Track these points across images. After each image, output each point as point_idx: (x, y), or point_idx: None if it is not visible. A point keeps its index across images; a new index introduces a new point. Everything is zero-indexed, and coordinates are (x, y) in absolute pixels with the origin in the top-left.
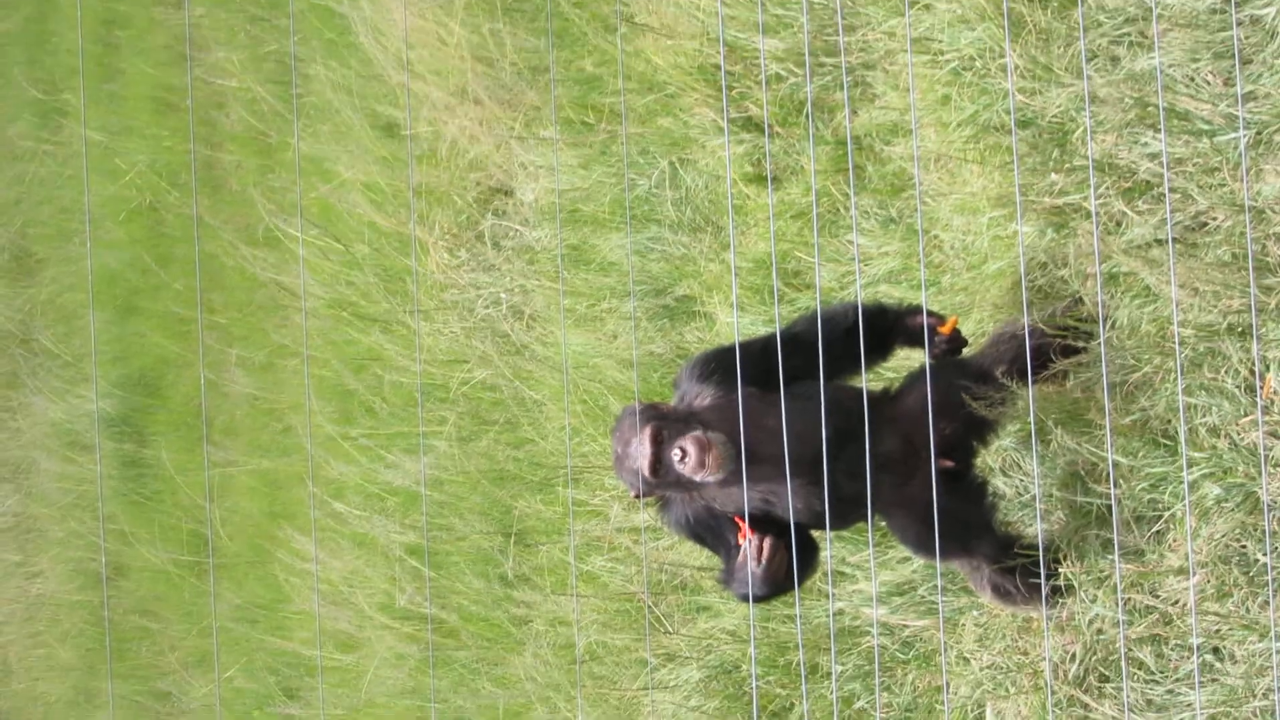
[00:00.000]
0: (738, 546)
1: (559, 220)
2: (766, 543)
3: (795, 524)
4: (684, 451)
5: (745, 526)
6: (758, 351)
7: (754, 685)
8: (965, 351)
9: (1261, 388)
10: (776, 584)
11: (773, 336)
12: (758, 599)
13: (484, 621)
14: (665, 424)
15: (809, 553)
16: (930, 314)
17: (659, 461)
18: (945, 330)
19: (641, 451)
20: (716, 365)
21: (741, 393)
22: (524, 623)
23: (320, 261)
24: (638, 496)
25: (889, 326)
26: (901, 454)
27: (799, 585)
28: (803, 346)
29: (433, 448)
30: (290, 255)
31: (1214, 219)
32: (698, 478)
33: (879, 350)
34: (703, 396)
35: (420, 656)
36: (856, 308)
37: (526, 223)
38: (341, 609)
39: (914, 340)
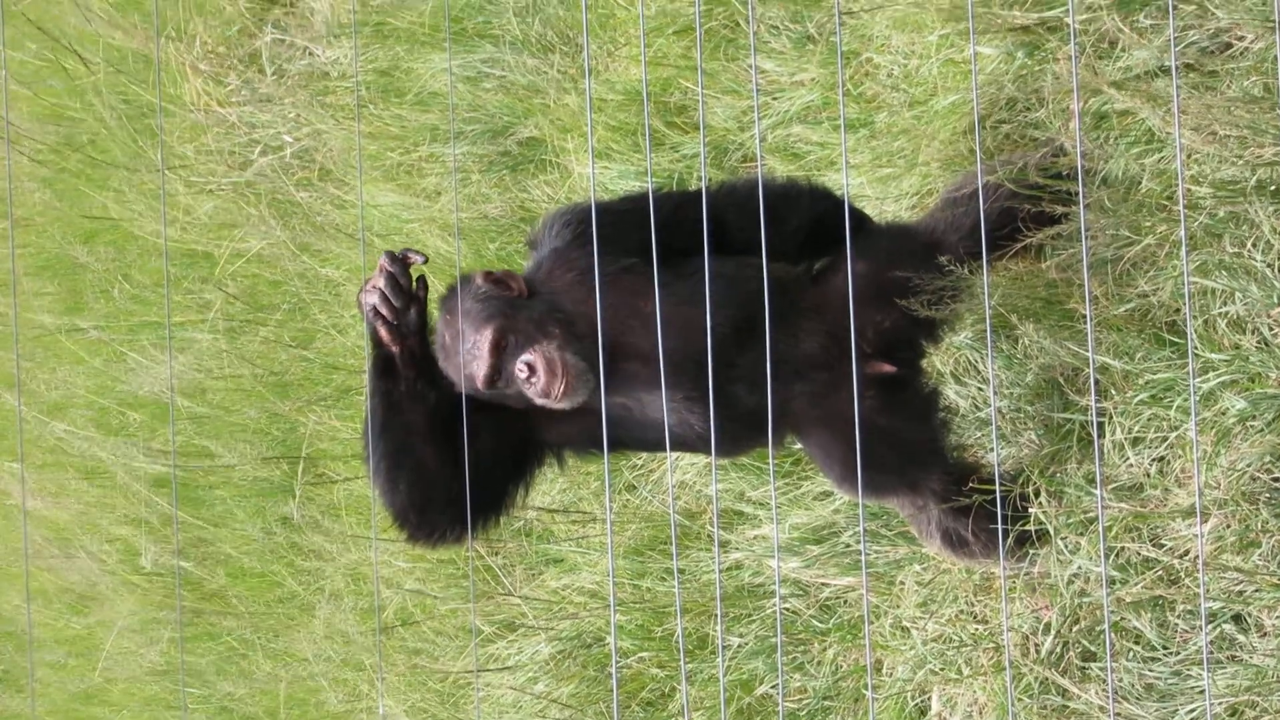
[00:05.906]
0: None
1: (355, 36)
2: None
3: (672, 441)
4: (531, 370)
5: None
6: (669, 211)
7: (614, 662)
8: (909, 216)
9: None
10: None
11: (688, 194)
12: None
13: (259, 579)
14: (512, 325)
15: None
16: None
17: (497, 374)
18: None
19: (477, 356)
20: (590, 227)
21: (609, 272)
22: (314, 580)
23: (35, 97)
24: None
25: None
26: (825, 357)
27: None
28: (743, 215)
29: (190, 344)
30: None
31: (1240, 39)
32: (541, 403)
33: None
34: (567, 268)
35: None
36: (826, 194)
37: (318, 39)
38: (71, 558)
39: None
